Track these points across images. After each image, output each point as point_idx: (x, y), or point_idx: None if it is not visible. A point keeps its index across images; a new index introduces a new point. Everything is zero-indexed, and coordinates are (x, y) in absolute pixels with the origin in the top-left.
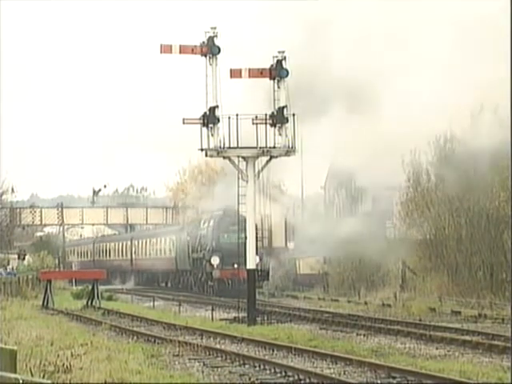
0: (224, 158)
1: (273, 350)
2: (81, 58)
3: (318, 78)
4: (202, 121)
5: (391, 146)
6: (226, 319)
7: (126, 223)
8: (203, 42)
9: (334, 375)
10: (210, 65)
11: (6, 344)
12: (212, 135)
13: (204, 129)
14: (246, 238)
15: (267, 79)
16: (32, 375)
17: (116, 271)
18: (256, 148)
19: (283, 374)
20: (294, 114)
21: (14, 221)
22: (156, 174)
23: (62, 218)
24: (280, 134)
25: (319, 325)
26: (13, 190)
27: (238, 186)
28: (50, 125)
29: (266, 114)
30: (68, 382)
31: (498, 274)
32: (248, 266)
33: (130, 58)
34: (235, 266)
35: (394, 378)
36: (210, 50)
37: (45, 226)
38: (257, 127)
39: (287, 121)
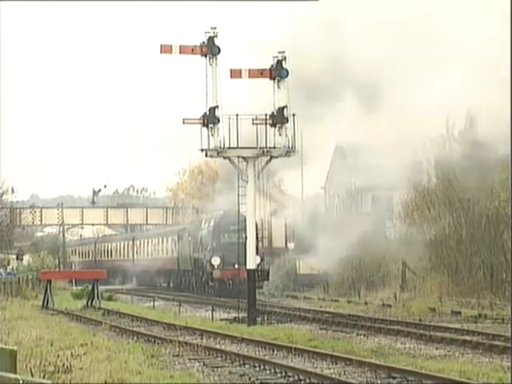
0: (224, 158)
1: (273, 350)
2: (81, 59)
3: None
4: (201, 121)
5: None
6: (225, 319)
7: (126, 223)
8: (203, 42)
9: (334, 375)
10: (210, 65)
11: (6, 344)
12: (212, 135)
13: (204, 129)
14: (245, 238)
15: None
16: (32, 375)
17: (118, 271)
18: (256, 148)
19: (283, 374)
20: (294, 114)
21: (14, 221)
22: (156, 174)
23: (62, 218)
24: (280, 134)
25: (319, 325)
26: (13, 190)
27: (238, 186)
28: (50, 125)
29: (265, 114)
30: (68, 382)
31: (498, 274)
32: (248, 266)
33: (130, 59)
34: (236, 266)
35: (394, 378)
36: (210, 50)
37: (45, 226)
38: (257, 127)
39: (287, 121)
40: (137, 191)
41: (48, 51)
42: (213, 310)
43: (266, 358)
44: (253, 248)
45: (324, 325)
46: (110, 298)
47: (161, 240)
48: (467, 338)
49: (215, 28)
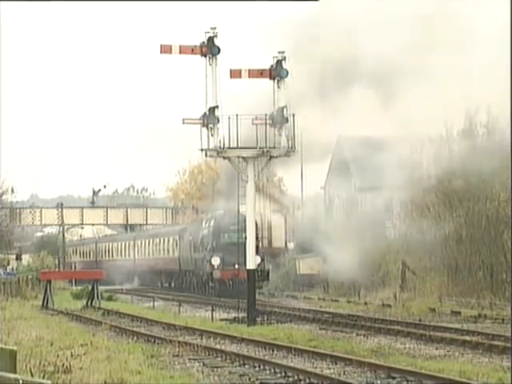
0: (224, 158)
1: (273, 351)
2: (81, 59)
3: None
4: (201, 121)
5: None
6: (225, 319)
7: (126, 223)
8: (203, 43)
9: (333, 375)
10: (210, 65)
11: (6, 344)
12: (212, 135)
13: (204, 129)
14: (245, 238)
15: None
16: (32, 375)
17: (119, 271)
18: (256, 148)
19: (283, 374)
20: (293, 115)
21: (14, 221)
22: (156, 174)
23: (62, 218)
24: (280, 135)
25: (319, 325)
26: (13, 190)
27: (238, 186)
28: (50, 125)
29: (265, 114)
30: (68, 382)
31: (498, 274)
32: (248, 267)
33: (131, 59)
34: (236, 266)
35: (393, 378)
36: (210, 50)
37: (45, 226)
38: (257, 127)
39: (287, 121)
40: (137, 191)
41: (48, 51)
42: (213, 310)
43: (266, 358)
44: (252, 248)
45: (324, 325)
46: (109, 298)
47: (162, 240)
48: (467, 338)
49: (215, 28)
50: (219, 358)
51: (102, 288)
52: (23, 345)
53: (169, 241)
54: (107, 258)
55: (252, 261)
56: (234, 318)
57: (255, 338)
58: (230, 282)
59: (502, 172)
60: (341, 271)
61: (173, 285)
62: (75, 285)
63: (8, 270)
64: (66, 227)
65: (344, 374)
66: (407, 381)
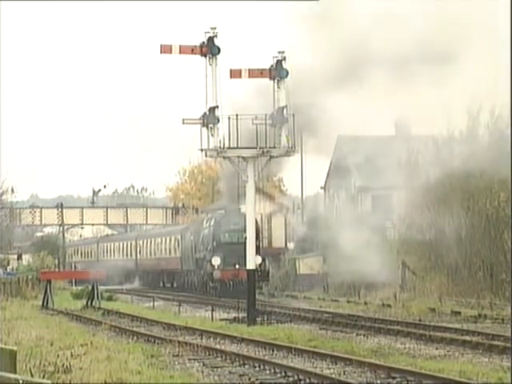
0: (224, 158)
1: (272, 351)
2: (81, 59)
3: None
4: (201, 121)
5: None
6: (225, 319)
7: (126, 223)
8: (203, 43)
9: (333, 375)
10: (210, 65)
11: (6, 344)
12: (212, 135)
13: (204, 129)
14: (245, 237)
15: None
16: (32, 375)
17: (120, 271)
18: (256, 148)
19: (283, 374)
20: (293, 114)
21: (14, 221)
22: (156, 174)
23: (62, 218)
24: (280, 135)
25: (319, 325)
26: (13, 190)
27: (239, 186)
28: (50, 125)
29: (265, 114)
30: (68, 382)
31: (498, 274)
32: (248, 267)
33: (131, 59)
34: (237, 266)
35: (393, 378)
36: (210, 50)
37: (45, 226)
38: (257, 127)
39: (287, 121)
40: (137, 191)
41: (48, 52)
42: (212, 310)
43: (266, 358)
44: (252, 248)
45: (324, 325)
46: (109, 298)
47: (164, 240)
48: (467, 338)
49: (215, 28)
50: (219, 358)
51: (102, 288)
52: (23, 345)
53: (170, 240)
54: (109, 257)
55: (252, 261)
56: (234, 317)
57: (255, 337)
58: (231, 283)
59: (502, 172)
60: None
61: (175, 285)
62: (75, 285)
63: (8, 270)
64: (65, 227)
65: (344, 373)
66: (407, 381)
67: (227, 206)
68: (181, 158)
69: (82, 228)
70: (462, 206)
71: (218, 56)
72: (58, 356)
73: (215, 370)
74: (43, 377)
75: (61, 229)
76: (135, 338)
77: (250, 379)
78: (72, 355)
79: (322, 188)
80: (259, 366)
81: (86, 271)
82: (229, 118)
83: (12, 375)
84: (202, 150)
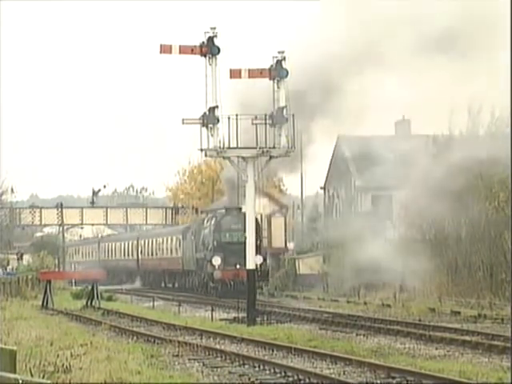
0: (224, 158)
1: (272, 351)
2: (81, 59)
3: None
4: (201, 121)
5: None
6: (225, 319)
7: (126, 223)
8: (203, 42)
9: (333, 375)
10: (210, 65)
11: (6, 344)
12: (212, 135)
13: (204, 129)
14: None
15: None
16: (32, 375)
17: (122, 271)
18: (256, 148)
19: (283, 374)
20: (293, 114)
21: (14, 221)
22: (156, 174)
23: (62, 218)
24: (280, 135)
25: (319, 325)
26: (12, 190)
27: (239, 186)
28: (50, 125)
29: (265, 114)
30: (68, 382)
31: (498, 274)
32: (248, 266)
33: (131, 59)
34: (237, 266)
35: (393, 378)
36: (210, 50)
37: (44, 226)
38: (256, 127)
39: (287, 121)
40: (136, 191)
41: (48, 52)
42: (212, 310)
43: (266, 358)
44: (252, 248)
45: (324, 325)
46: (109, 298)
47: (165, 239)
48: (467, 338)
49: (215, 28)
50: (219, 358)
51: (101, 288)
52: (23, 345)
53: (172, 240)
54: (110, 257)
55: (252, 261)
56: (234, 317)
57: (255, 338)
58: (232, 283)
59: (503, 171)
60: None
61: (176, 285)
62: (75, 285)
63: (8, 270)
64: (65, 227)
65: (344, 373)
66: (407, 381)
67: (228, 206)
68: (181, 158)
69: (82, 228)
70: (462, 206)
71: (217, 56)
72: (57, 356)
73: (215, 369)
74: (43, 377)
75: (61, 229)
76: (135, 338)
77: (249, 379)
78: (72, 355)
79: (321, 188)
80: (259, 366)
81: (85, 271)
82: (229, 118)
83: (12, 375)
84: (201, 150)
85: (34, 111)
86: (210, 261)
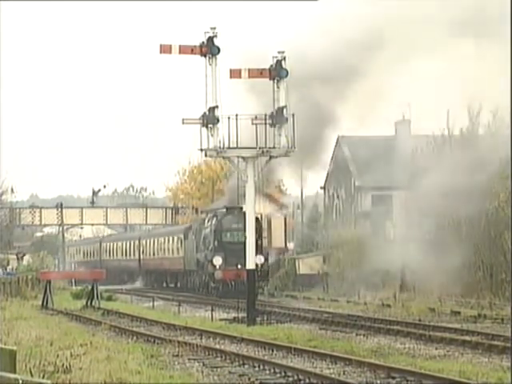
0: (224, 158)
1: (272, 350)
2: (81, 59)
3: None
4: (201, 121)
5: None
6: (225, 319)
7: (126, 223)
8: (203, 42)
9: (333, 375)
10: (210, 65)
11: (6, 344)
12: (212, 135)
13: (203, 129)
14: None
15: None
16: (32, 375)
17: (123, 271)
18: (255, 148)
19: (283, 374)
20: (293, 114)
21: (14, 221)
22: (156, 174)
23: (62, 218)
24: (280, 135)
25: (319, 325)
26: (12, 190)
27: (239, 186)
28: (50, 125)
29: (265, 115)
30: (67, 382)
31: (498, 274)
32: (248, 266)
33: (131, 59)
34: (239, 266)
35: (393, 378)
36: (210, 50)
37: (44, 226)
38: (256, 127)
39: (287, 121)
40: (136, 191)
41: (48, 52)
42: (212, 310)
43: (266, 358)
44: (252, 248)
45: (323, 325)
46: (109, 298)
47: (167, 239)
48: (467, 338)
49: (215, 28)
50: (219, 358)
51: (102, 288)
52: (23, 345)
53: (174, 240)
54: (112, 257)
55: (252, 261)
56: (234, 317)
57: (255, 337)
58: (233, 283)
59: (502, 171)
60: None
61: (178, 285)
62: (75, 285)
63: (8, 270)
64: (65, 227)
65: (344, 373)
66: (407, 381)
67: (228, 205)
68: (181, 158)
69: (82, 228)
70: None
71: (217, 56)
72: (57, 356)
73: (215, 369)
74: (43, 377)
75: (60, 229)
76: (135, 337)
77: (249, 379)
78: (72, 355)
79: (321, 188)
80: (259, 366)
81: (85, 271)
82: (228, 118)
83: (12, 375)
84: (201, 149)
85: (34, 111)
86: (211, 261)
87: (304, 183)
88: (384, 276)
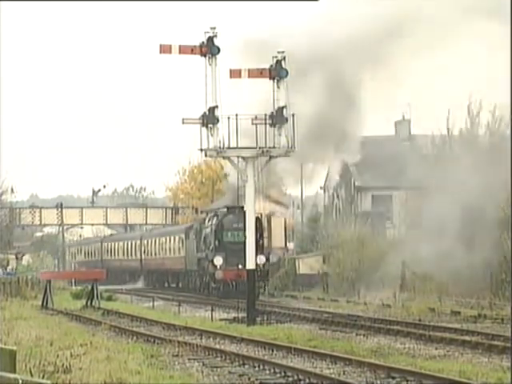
0: (223, 158)
1: (272, 350)
2: (81, 59)
3: None
4: (201, 121)
5: None
6: (225, 319)
7: (126, 223)
8: (202, 42)
9: (333, 375)
10: (210, 65)
11: (6, 344)
12: (211, 135)
13: (203, 129)
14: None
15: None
16: (32, 375)
17: (124, 271)
18: (255, 148)
19: (283, 374)
20: (293, 114)
21: (14, 221)
22: (156, 174)
23: (62, 218)
24: (280, 134)
25: (319, 325)
26: (12, 190)
27: (238, 186)
28: (50, 125)
29: (265, 114)
30: (67, 382)
31: (498, 274)
32: (248, 266)
33: (131, 59)
34: (239, 266)
35: (393, 378)
36: (210, 50)
37: (44, 226)
38: (256, 127)
39: (287, 121)
40: (136, 191)
41: (48, 52)
42: (212, 310)
43: (266, 358)
44: (252, 247)
45: (323, 325)
46: (109, 298)
47: (168, 239)
48: (467, 338)
49: (215, 28)
50: (219, 358)
51: (102, 288)
52: (23, 345)
53: (175, 240)
54: (113, 257)
55: (252, 260)
56: (234, 317)
57: (255, 337)
58: (233, 283)
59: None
60: None
61: (180, 285)
62: (75, 285)
63: (8, 270)
64: (65, 227)
65: (344, 373)
66: (407, 381)
67: (229, 204)
68: (181, 158)
69: (82, 228)
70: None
71: (217, 56)
72: (57, 356)
73: (215, 369)
74: (43, 377)
75: (60, 229)
76: (135, 338)
77: (249, 379)
78: (72, 355)
79: (321, 188)
80: (259, 366)
81: (85, 271)
82: (228, 118)
83: (12, 375)
84: (201, 149)
85: (34, 111)
86: (212, 261)
87: (307, 182)
88: (384, 276)
